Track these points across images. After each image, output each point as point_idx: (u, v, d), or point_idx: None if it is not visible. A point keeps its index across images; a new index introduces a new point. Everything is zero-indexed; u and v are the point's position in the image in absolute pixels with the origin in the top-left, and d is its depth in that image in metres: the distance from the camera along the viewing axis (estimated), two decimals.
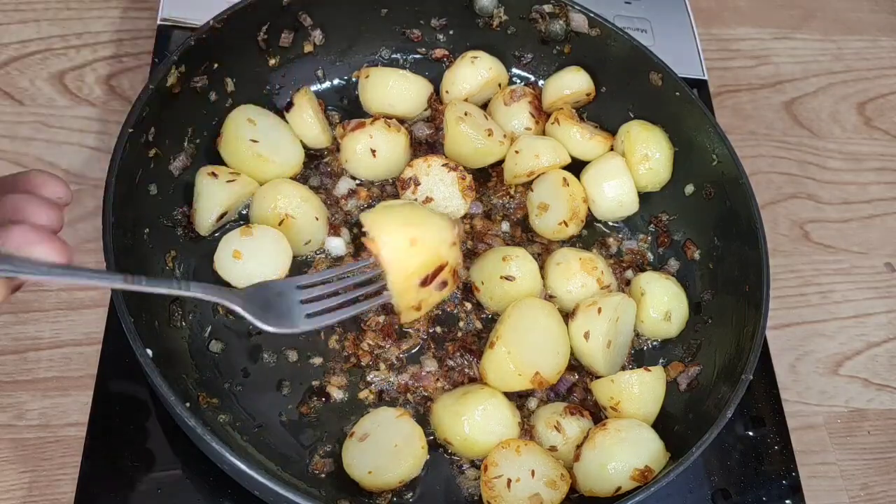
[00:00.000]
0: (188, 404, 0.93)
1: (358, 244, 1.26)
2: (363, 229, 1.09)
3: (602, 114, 1.42)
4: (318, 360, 1.17)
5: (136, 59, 1.46)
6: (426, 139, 1.38)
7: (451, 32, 1.43)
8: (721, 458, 1.23)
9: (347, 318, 1.07)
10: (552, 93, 1.39)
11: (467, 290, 1.25)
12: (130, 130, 1.07)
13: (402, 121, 1.35)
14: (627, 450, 1.06)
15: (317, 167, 1.32)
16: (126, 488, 1.06)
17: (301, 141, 1.31)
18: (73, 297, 1.22)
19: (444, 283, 1.11)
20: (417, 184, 1.28)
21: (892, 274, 1.54)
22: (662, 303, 1.23)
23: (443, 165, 1.29)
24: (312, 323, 1.02)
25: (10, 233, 0.76)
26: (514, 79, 1.46)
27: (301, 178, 1.29)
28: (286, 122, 1.30)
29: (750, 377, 1.06)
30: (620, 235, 1.36)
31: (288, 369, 1.15)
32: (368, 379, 1.16)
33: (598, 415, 1.18)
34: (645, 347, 1.26)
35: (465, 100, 1.37)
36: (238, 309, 0.96)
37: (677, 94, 1.31)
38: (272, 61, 1.33)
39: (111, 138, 1.34)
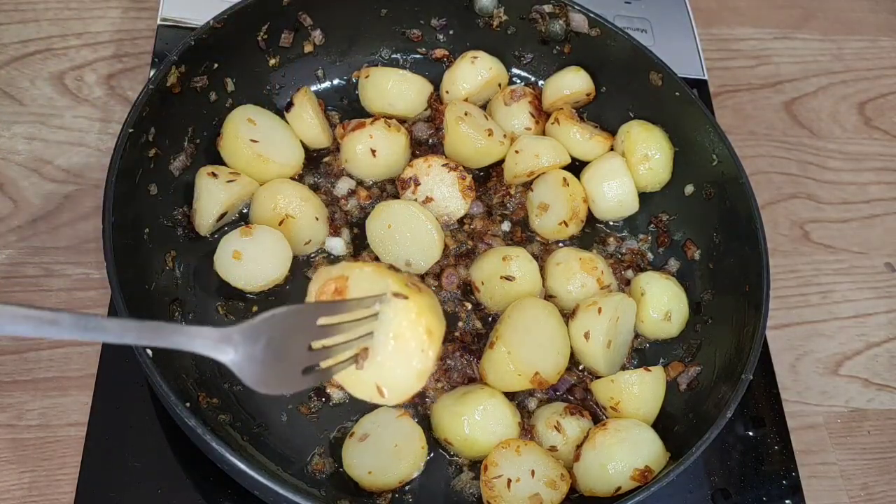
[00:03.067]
0: (188, 404, 0.93)
1: (357, 244, 1.26)
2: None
3: (602, 114, 1.42)
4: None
5: (136, 59, 1.46)
6: (426, 139, 1.38)
7: (451, 32, 1.43)
8: (721, 458, 1.23)
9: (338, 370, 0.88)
10: (552, 93, 1.39)
11: (467, 290, 1.25)
12: (130, 130, 1.07)
13: (402, 121, 1.35)
14: (627, 450, 1.06)
15: (317, 167, 1.32)
16: (126, 488, 1.06)
17: (301, 141, 1.31)
18: (73, 298, 1.22)
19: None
20: (417, 184, 1.28)
21: (892, 274, 1.54)
22: (662, 303, 1.23)
23: (443, 165, 1.29)
24: (308, 380, 0.83)
25: None
26: (514, 79, 1.46)
27: (301, 178, 1.29)
28: (286, 122, 1.30)
29: (750, 377, 1.06)
30: (620, 235, 1.36)
31: None
32: None
33: (598, 415, 1.18)
34: (645, 347, 1.26)
35: (465, 100, 1.37)
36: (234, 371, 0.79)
37: (677, 94, 1.31)
38: (272, 61, 1.33)
39: (111, 138, 1.35)
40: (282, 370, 0.80)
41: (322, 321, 0.84)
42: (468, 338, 1.21)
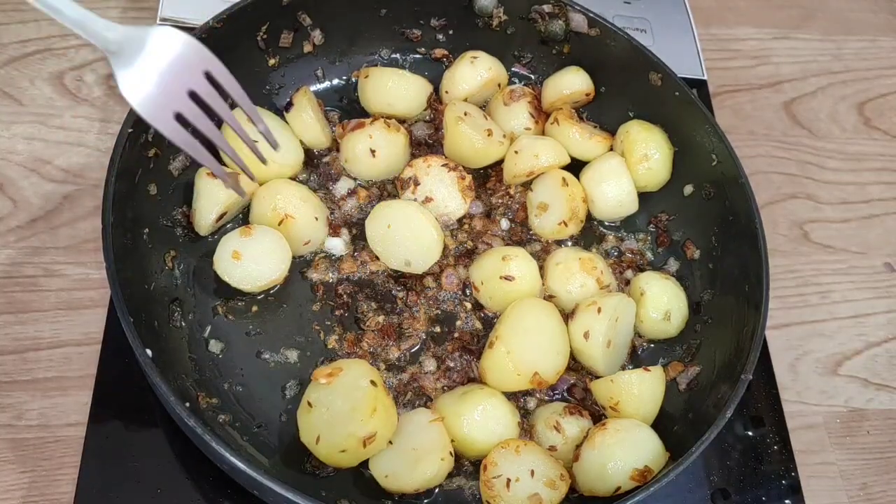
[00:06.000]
0: (188, 404, 0.93)
1: (357, 245, 1.26)
2: None
3: (602, 114, 1.42)
4: (318, 361, 1.17)
5: None
6: (426, 139, 1.38)
7: (451, 32, 1.43)
8: (721, 458, 1.23)
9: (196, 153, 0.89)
10: (552, 93, 1.39)
11: (467, 290, 1.25)
12: (130, 130, 1.07)
13: (401, 121, 1.35)
14: (627, 450, 1.06)
15: (317, 167, 1.32)
16: (126, 488, 1.06)
17: (301, 141, 1.31)
18: (73, 298, 1.22)
19: None
20: (417, 184, 1.28)
21: (892, 274, 1.54)
22: (662, 303, 1.23)
23: (442, 165, 1.29)
24: (179, 133, 0.85)
25: None
26: (513, 79, 1.46)
27: (301, 178, 1.30)
28: (286, 122, 1.30)
29: (749, 377, 1.06)
30: (620, 235, 1.36)
31: (288, 369, 1.15)
32: None
33: (597, 415, 1.18)
34: (645, 347, 1.26)
35: (465, 100, 1.37)
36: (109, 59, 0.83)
37: (677, 94, 1.31)
38: (272, 61, 1.33)
39: (111, 138, 1.35)
40: (156, 91, 0.83)
41: (208, 72, 0.87)
42: (468, 338, 1.21)
